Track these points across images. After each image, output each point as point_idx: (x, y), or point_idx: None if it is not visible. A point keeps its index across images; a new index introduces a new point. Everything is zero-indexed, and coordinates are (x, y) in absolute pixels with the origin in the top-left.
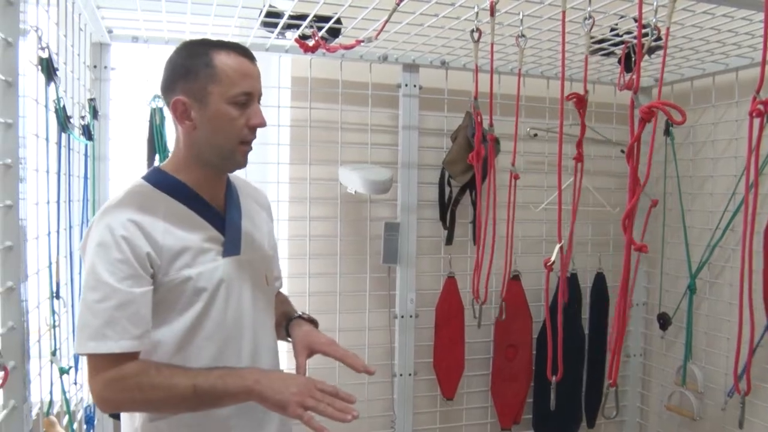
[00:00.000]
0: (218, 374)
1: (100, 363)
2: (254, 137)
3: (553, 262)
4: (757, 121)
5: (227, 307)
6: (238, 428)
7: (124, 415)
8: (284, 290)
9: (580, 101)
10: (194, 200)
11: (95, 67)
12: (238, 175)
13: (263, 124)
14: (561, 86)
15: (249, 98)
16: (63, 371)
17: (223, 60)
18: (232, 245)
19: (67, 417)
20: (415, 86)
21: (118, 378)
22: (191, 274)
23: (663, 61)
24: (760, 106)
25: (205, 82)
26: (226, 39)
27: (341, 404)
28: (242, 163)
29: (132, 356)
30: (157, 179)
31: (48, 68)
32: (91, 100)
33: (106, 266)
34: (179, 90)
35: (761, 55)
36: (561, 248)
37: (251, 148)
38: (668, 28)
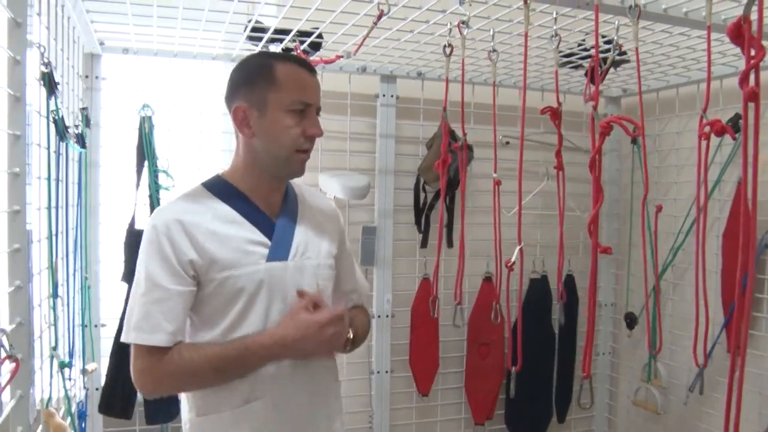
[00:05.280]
0: (236, 353)
1: (137, 352)
2: (311, 146)
3: (513, 262)
4: (704, 144)
5: (270, 310)
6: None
7: (181, 406)
8: None
9: (555, 114)
10: (244, 204)
11: (87, 77)
12: (303, 184)
13: (320, 134)
14: (522, 97)
15: (306, 108)
16: (63, 365)
17: (283, 70)
18: (278, 250)
19: (65, 407)
20: (392, 96)
21: (147, 369)
22: (232, 274)
23: (638, 76)
24: (707, 128)
25: (265, 90)
26: (213, 51)
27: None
28: (298, 171)
29: (165, 349)
30: (212, 183)
31: (50, 82)
32: (84, 109)
33: (150, 263)
34: (240, 98)
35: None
36: (521, 250)
37: (308, 157)
38: (637, 48)
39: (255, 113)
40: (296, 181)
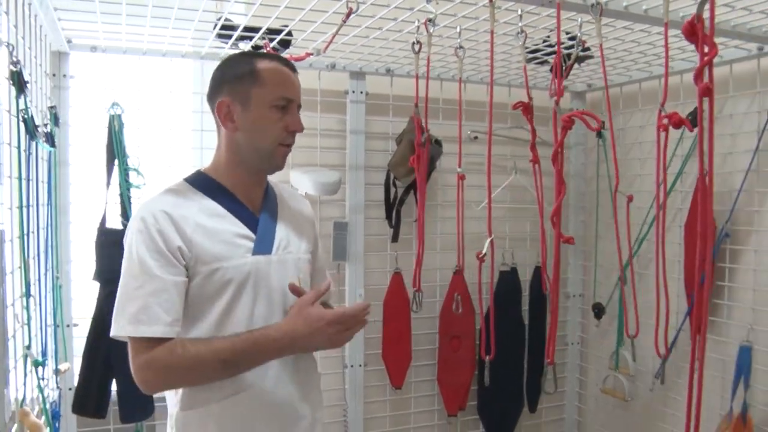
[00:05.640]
0: (243, 346)
1: (136, 346)
2: (293, 141)
3: (485, 254)
4: (663, 135)
5: (256, 303)
6: (267, 428)
7: (167, 400)
8: None
9: (527, 109)
10: (228, 199)
11: (54, 75)
12: (281, 184)
13: (300, 130)
14: (490, 93)
15: (289, 104)
16: (38, 363)
17: (267, 67)
18: (262, 244)
19: (40, 405)
20: (361, 93)
21: (149, 362)
22: (220, 266)
23: (603, 72)
24: (666, 120)
25: (249, 85)
26: (182, 49)
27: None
28: (280, 165)
29: (164, 341)
30: (195, 179)
31: (19, 81)
32: (52, 107)
33: (143, 255)
34: (224, 92)
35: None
36: (492, 242)
37: (290, 151)
38: (601, 45)
39: (239, 108)
40: (275, 182)
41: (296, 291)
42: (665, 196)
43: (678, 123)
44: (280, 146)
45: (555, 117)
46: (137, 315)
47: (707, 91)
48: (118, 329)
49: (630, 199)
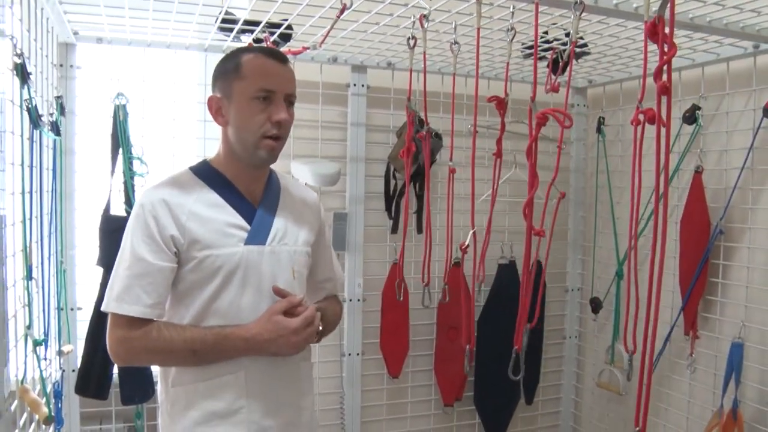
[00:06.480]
0: (214, 340)
1: (116, 321)
2: (279, 133)
3: (468, 245)
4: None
5: (244, 291)
6: (248, 411)
7: (159, 377)
8: None
9: (500, 103)
10: (228, 190)
11: (61, 65)
12: (288, 176)
13: (283, 120)
14: (475, 87)
15: (271, 95)
16: (37, 343)
17: (249, 60)
18: (257, 235)
19: (40, 385)
20: (363, 86)
21: (126, 339)
22: (210, 253)
23: (569, 71)
24: (641, 116)
25: (232, 80)
26: (186, 41)
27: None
28: (267, 158)
29: (144, 321)
30: (199, 168)
31: (22, 72)
32: (59, 97)
33: (135, 239)
34: (215, 89)
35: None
36: (474, 234)
37: (278, 144)
38: (574, 42)
39: (226, 102)
40: (281, 173)
41: (279, 293)
42: (639, 194)
43: (652, 118)
44: (263, 138)
45: (530, 113)
46: (121, 294)
47: (665, 90)
48: (104, 305)
49: (562, 195)
